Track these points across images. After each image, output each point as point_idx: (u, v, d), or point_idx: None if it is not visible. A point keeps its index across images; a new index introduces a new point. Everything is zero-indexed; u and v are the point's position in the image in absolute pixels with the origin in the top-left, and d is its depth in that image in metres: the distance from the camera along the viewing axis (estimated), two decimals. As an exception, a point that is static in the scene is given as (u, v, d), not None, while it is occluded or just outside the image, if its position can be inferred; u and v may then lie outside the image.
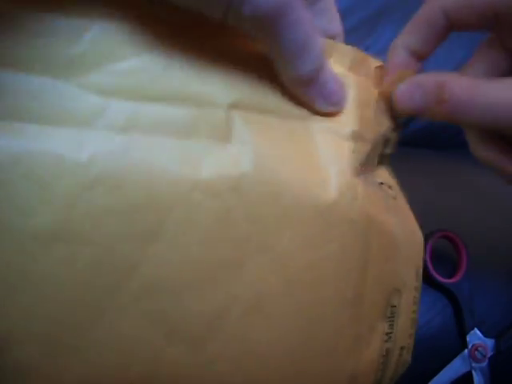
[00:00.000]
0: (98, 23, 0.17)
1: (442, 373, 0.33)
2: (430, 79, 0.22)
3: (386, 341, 0.24)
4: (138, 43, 0.18)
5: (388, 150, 0.25)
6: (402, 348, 0.25)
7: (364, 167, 0.23)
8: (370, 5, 0.53)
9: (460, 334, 0.34)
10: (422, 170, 0.44)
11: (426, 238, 0.34)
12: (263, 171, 0.19)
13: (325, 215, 0.20)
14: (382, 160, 0.25)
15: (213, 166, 0.18)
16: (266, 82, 0.20)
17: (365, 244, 0.22)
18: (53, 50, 0.17)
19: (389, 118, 0.24)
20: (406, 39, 0.24)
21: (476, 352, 0.33)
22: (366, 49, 0.25)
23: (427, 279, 0.34)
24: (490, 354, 0.33)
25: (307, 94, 0.20)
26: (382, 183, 0.25)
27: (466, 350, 0.33)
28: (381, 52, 0.25)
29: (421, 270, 0.26)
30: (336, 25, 0.24)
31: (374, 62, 0.24)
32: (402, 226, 0.25)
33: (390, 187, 0.25)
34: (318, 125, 0.21)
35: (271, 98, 0.20)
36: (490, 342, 0.33)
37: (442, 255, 0.35)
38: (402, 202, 0.26)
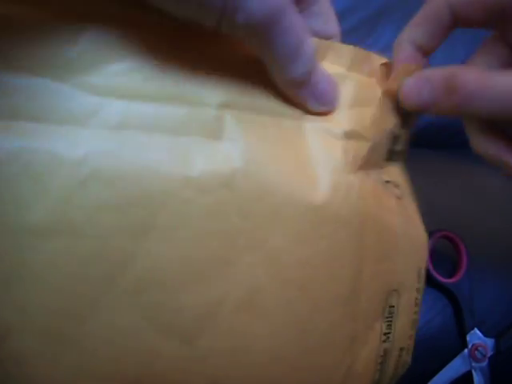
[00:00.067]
0: (94, 27, 0.18)
1: (442, 372, 0.33)
2: (437, 73, 0.22)
3: (384, 341, 0.24)
4: (131, 46, 0.18)
5: (399, 147, 0.25)
6: (401, 349, 0.25)
7: (365, 165, 0.23)
8: (370, 5, 0.53)
9: (460, 334, 0.34)
10: (421, 169, 0.44)
11: (426, 238, 0.34)
12: (253, 168, 0.19)
13: (315, 213, 0.20)
14: (392, 157, 0.25)
15: (204, 163, 0.18)
16: (258, 82, 0.21)
17: (359, 242, 0.22)
18: (50, 52, 0.18)
19: (396, 114, 0.24)
20: (412, 34, 0.24)
21: (476, 352, 0.33)
22: (367, 49, 0.25)
23: (427, 279, 0.34)
24: (490, 353, 0.33)
25: (300, 95, 0.21)
26: (388, 181, 0.25)
27: (466, 350, 0.33)
28: (381, 52, 0.25)
29: (423, 272, 0.26)
30: (333, 26, 0.24)
31: (379, 59, 0.24)
32: (405, 226, 0.25)
33: (396, 186, 0.25)
34: (311, 124, 0.22)
35: (263, 98, 0.21)
36: (490, 342, 0.33)
37: (442, 255, 0.35)
38: (408, 202, 0.26)
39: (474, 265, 0.34)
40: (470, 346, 0.33)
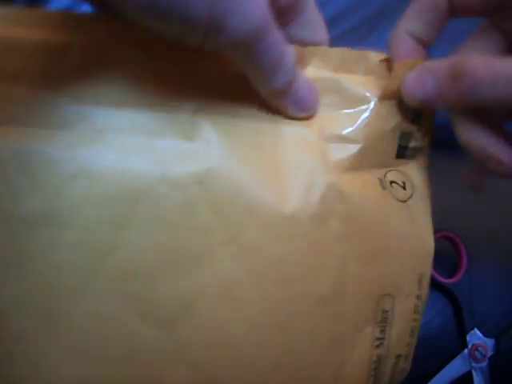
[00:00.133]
0: (81, 44, 0.20)
1: (442, 372, 0.33)
2: (439, 63, 0.21)
3: (378, 346, 0.24)
4: (115, 60, 0.20)
5: (414, 144, 0.25)
6: (398, 356, 0.25)
7: (358, 165, 0.23)
8: (371, 4, 0.53)
9: (460, 334, 0.34)
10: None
11: (426, 238, 0.34)
12: (226, 168, 0.20)
13: (287, 213, 0.21)
14: (407, 154, 0.25)
15: (178, 162, 0.20)
16: (236, 88, 0.21)
17: (339, 241, 0.22)
18: (44, 66, 0.20)
19: (401, 111, 0.23)
20: (409, 25, 0.24)
21: (476, 352, 0.33)
22: (368, 48, 0.25)
23: (428, 278, 0.34)
24: (489, 353, 0.33)
25: (281, 102, 0.21)
26: (393, 182, 0.24)
27: (465, 350, 0.33)
28: (383, 51, 0.25)
29: (426, 279, 0.25)
30: (321, 34, 0.24)
31: (377, 56, 0.24)
32: (403, 230, 0.24)
33: (403, 187, 0.25)
34: (290, 128, 0.22)
35: (241, 104, 0.22)
36: (490, 342, 0.33)
37: (442, 255, 0.35)
38: (416, 205, 0.25)
39: (474, 265, 0.34)
40: (469, 346, 0.33)
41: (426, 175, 0.26)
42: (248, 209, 0.21)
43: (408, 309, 0.25)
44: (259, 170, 0.21)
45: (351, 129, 0.23)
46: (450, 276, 0.34)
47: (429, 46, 0.24)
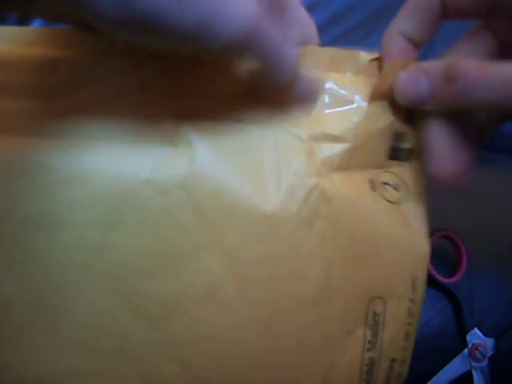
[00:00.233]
0: (70, 57, 0.22)
1: (441, 372, 0.33)
2: (433, 64, 0.21)
3: (369, 349, 0.24)
4: (102, 71, 0.22)
5: (406, 145, 0.24)
6: (392, 360, 0.25)
7: (347, 165, 0.23)
8: (370, 5, 0.53)
9: (460, 334, 0.34)
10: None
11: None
12: (207, 172, 0.21)
13: (268, 215, 0.21)
14: (398, 155, 0.24)
15: (162, 168, 0.21)
16: (220, 90, 0.22)
17: (324, 243, 0.22)
18: (37, 79, 0.21)
19: (393, 111, 0.23)
20: (402, 25, 0.24)
21: (476, 351, 0.33)
22: (367, 48, 0.25)
23: (427, 279, 0.34)
24: (489, 353, 0.33)
25: (284, 97, 0.22)
26: (385, 183, 0.24)
27: (465, 350, 0.33)
28: (373, 51, 0.25)
29: (420, 282, 0.25)
30: (309, 33, 0.24)
31: (367, 56, 0.24)
32: (395, 232, 0.24)
33: (396, 188, 0.25)
34: (276, 129, 0.22)
35: (225, 106, 0.22)
36: (489, 342, 0.33)
37: (442, 255, 0.35)
38: (409, 206, 0.25)
39: (473, 265, 0.34)
40: (469, 346, 0.33)
41: (422, 177, 0.25)
42: (231, 209, 0.21)
43: (401, 312, 0.25)
44: (243, 171, 0.22)
45: (340, 128, 0.23)
46: (450, 276, 0.34)
47: (420, 46, 0.24)
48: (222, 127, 0.22)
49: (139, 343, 0.21)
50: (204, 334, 0.22)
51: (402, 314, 0.25)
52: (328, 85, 0.23)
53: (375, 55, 0.24)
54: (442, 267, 0.35)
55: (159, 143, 0.21)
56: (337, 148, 0.23)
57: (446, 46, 0.25)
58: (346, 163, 0.23)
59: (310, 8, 0.23)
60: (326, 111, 0.23)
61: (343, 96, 0.23)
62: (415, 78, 0.22)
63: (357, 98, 0.23)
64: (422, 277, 0.25)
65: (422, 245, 0.25)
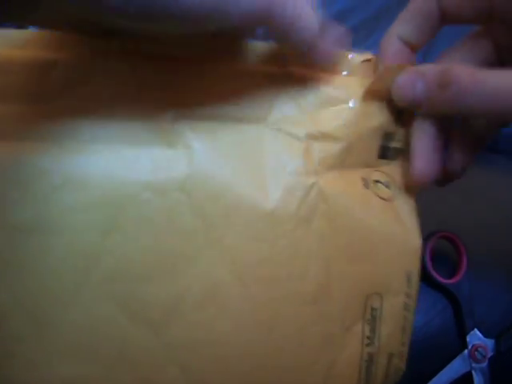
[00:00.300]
0: (65, 59, 0.21)
1: (441, 373, 0.33)
2: (430, 68, 0.22)
3: (368, 344, 0.24)
4: (96, 73, 0.21)
5: (395, 144, 0.25)
6: (391, 355, 0.25)
7: (340, 164, 0.23)
8: (370, 6, 0.53)
9: (460, 335, 0.34)
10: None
11: (426, 238, 0.34)
12: (206, 173, 0.21)
13: (268, 214, 0.22)
14: (388, 154, 0.25)
15: (161, 170, 0.21)
16: (217, 91, 0.22)
17: (323, 241, 0.23)
18: (31, 81, 0.21)
19: (384, 111, 0.24)
20: (400, 29, 0.24)
21: (476, 352, 0.33)
22: (366, 49, 0.25)
23: (427, 279, 0.34)
24: (489, 354, 0.33)
25: (311, 52, 0.21)
26: (377, 181, 0.25)
27: (465, 351, 0.33)
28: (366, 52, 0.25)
29: (414, 277, 0.26)
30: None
31: (360, 57, 0.24)
32: (390, 228, 0.24)
33: (388, 186, 0.25)
34: (273, 127, 0.22)
35: (222, 106, 0.22)
36: (489, 343, 0.33)
37: (442, 255, 0.35)
38: (400, 204, 0.25)
39: (473, 265, 0.34)
40: (469, 347, 0.33)
41: (409, 175, 0.26)
42: (230, 209, 0.21)
43: (397, 307, 0.25)
44: (241, 171, 0.22)
45: (334, 128, 0.23)
46: (450, 276, 0.34)
47: (417, 50, 0.25)
48: (220, 127, 0.22)
49: (139, 348, 0.21)
50: (204, 338, 0.22)
51: (398, 309, 0.25)
52: (323, 84, 0.23)
53: (368, 56, 0.24)
54: (441, 268, 0.35)
55: (157, 145, 0.21)
56: (332, 147, 0.23)
57: (447, 47, 0.25)
58: (340, 162, 0.23)
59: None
60: (320, 110, 0.23)
61: (337, 96, 0.23)
62: (412, 80, 0.22)
63: (350, 98, 0.24)
64: (415, 271, 0.26)
65: (414, 240, 0.25)
